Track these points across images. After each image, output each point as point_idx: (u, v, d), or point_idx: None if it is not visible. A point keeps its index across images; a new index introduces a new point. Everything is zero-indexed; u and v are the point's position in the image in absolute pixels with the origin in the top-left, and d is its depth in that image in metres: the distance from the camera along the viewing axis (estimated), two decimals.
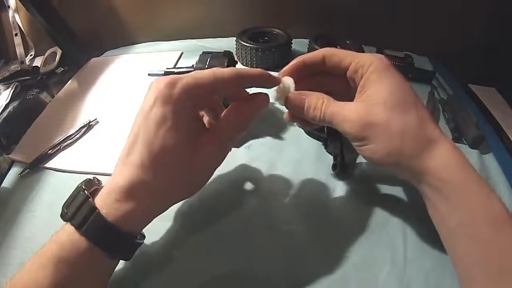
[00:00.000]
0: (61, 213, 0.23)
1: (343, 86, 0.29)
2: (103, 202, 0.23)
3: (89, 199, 0.23)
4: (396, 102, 0.25)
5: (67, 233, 0.22)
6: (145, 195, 0.23)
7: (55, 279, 0.21)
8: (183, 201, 0.33)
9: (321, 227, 0.32)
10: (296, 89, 0.28)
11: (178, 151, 0.24)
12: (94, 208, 0.22)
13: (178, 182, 0.24)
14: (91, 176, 0.27)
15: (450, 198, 0.23)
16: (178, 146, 0.23)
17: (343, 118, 0.26)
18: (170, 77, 0.24)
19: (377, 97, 0.25)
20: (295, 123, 0.32)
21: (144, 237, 0.27)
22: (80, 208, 0.22)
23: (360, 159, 0.38)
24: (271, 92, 0.28)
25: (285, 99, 0.28)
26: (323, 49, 0.29)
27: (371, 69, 0.26)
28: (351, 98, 0.28)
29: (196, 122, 0.26)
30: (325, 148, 0.40)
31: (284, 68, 0.29)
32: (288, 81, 0.28)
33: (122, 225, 0.22)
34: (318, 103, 0.27)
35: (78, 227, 0.22)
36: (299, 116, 0.29)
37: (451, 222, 0.23)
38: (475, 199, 0.22)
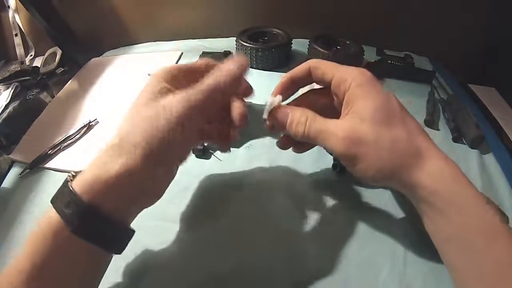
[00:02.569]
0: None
1: (332, 101, 0.29)
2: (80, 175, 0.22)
3: (68, 177, 0.23)
4: (382, 118, 0.24)
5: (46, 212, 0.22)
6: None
7: (31, 259, 0.20)
8: (183, 200, 0.33)
9: (321, 226, 0.32)
10: None
11: None
12: (66, 181, 0.22)
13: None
14: None
15: (443, 211, 0.23)
16: None
17: (330, 135, 0.25)
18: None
19: (363, 114, 0.24)
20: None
21: (132, 231, 0.24)
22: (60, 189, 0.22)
23: None
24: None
25: (268, 114, 0.27)
26: (308, 61, 0.28)
27: (354, 84, 0.25)
28: (338, 113, 0.27)
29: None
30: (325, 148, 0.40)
31: (274, 89, 0.29)
32: (274, 98, 0.28)
33: (85, 192, 0.21)
34: (302, 118, 0.26)
35: (51, 201, 0.22)
36: (282, 131, 0.28)
37: (446, 233, 0.23)
38: (469, 210, 0.22)
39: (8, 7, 0.59)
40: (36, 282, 0.20)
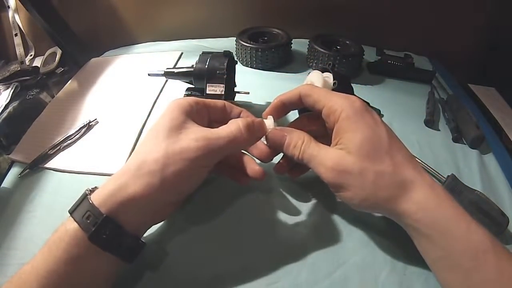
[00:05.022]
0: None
1: (324, 127, 0.30)
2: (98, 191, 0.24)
3: (86, 191, 0.25)
4: (368, 152, 0.25)
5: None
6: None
7: (46, 261, 0.22)
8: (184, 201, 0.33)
9: (322, 227, 0.32)
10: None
11: None
12: (84, 194, 0.24)
13: None
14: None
15: (428, 236, 0.24)
16: None
17: (319, 162, 0.26)
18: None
19: (350, 146, 0.25)
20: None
21: (143, 243, 0.26)
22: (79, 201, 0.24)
23: None
24: None
25: (266, 136, 0.29)
26: (299, 87, 0.29)
27: (343, 116, 0.26)
28: (329, 139, 0.28)
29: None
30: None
31: (266, 110, 0.31)
32: (268, 121, 0.29)
33: (103, 205, 0.23)
34: (299, 141, 0.27)
35: (69, 211, 0.24)
36: (279, 151, 0.30)
37: (433, 256, 0.25)
38: (453, 234, 0.23)
39: (8, 7, 0.59)
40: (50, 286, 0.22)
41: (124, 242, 0.24)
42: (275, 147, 0.29)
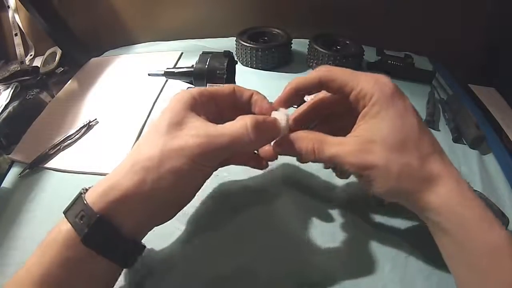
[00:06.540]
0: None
1: (345, 106, 0.27)
2: (92, 189, 0.23)
3: (82, 190, 0.24)
4: (396, 142, 0.24)
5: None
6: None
7: (40, 266, 0.21)
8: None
9: (323, 226, 0.32)
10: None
11: None
12: (79, 193, 0.23)
13: None
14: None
15: (448, 231, 0.23)
16: None
17: (343, 160, 0.25)
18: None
19: (376, 134, 0.24)
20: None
21: (143, 246, 0.25)
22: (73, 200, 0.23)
23: None
24: None
25: (276, 144, 0.27)
26: (317, 71, 0.27)
27: (373, 101, 0.24)
28: (354, 118, 0.26)
29: None
30: None
31: (278, 98, 0.28)
32: (280, 114, 0.27)
33: (96, 204, 0.22)
34: (309, 146, 0.26)
35: (63, 212, 0.23)
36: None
37: (450, 251, 0.24)
38: (473, 232, 0.22)
39: (8, 7, 0.59)
40: None
41: (121, 245, 0.23)
42: (288, 155, 0.28)
